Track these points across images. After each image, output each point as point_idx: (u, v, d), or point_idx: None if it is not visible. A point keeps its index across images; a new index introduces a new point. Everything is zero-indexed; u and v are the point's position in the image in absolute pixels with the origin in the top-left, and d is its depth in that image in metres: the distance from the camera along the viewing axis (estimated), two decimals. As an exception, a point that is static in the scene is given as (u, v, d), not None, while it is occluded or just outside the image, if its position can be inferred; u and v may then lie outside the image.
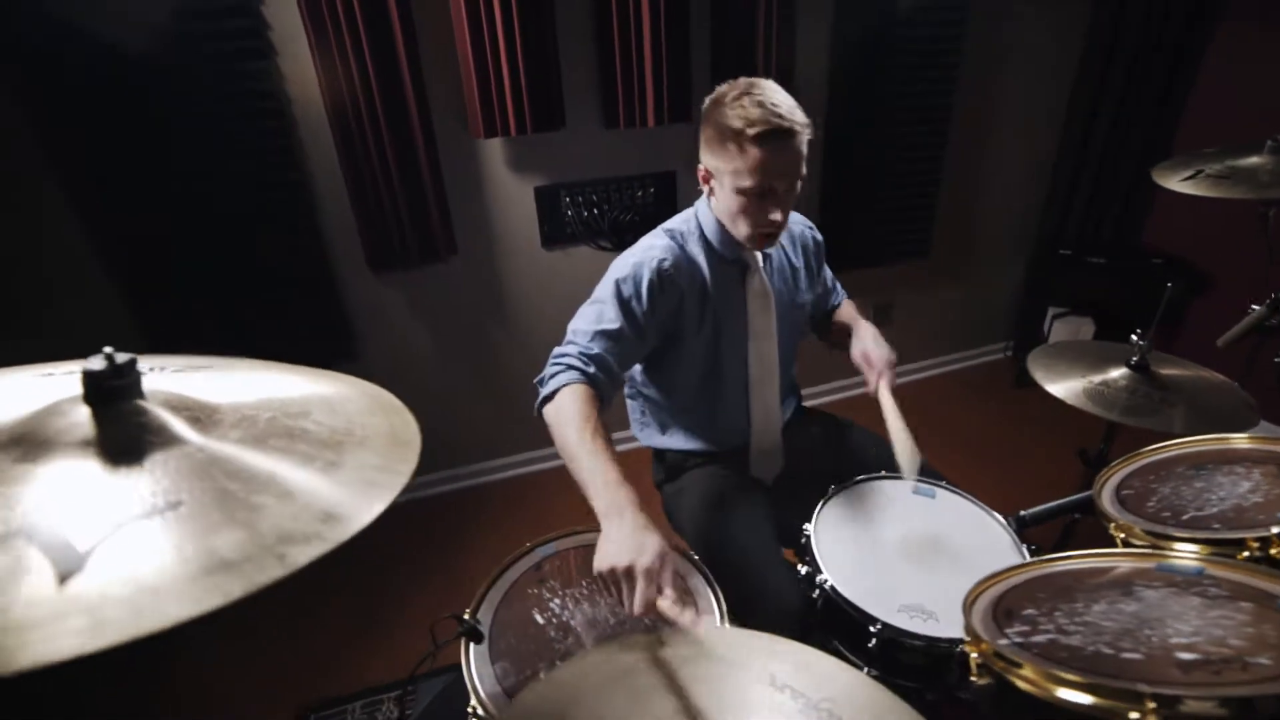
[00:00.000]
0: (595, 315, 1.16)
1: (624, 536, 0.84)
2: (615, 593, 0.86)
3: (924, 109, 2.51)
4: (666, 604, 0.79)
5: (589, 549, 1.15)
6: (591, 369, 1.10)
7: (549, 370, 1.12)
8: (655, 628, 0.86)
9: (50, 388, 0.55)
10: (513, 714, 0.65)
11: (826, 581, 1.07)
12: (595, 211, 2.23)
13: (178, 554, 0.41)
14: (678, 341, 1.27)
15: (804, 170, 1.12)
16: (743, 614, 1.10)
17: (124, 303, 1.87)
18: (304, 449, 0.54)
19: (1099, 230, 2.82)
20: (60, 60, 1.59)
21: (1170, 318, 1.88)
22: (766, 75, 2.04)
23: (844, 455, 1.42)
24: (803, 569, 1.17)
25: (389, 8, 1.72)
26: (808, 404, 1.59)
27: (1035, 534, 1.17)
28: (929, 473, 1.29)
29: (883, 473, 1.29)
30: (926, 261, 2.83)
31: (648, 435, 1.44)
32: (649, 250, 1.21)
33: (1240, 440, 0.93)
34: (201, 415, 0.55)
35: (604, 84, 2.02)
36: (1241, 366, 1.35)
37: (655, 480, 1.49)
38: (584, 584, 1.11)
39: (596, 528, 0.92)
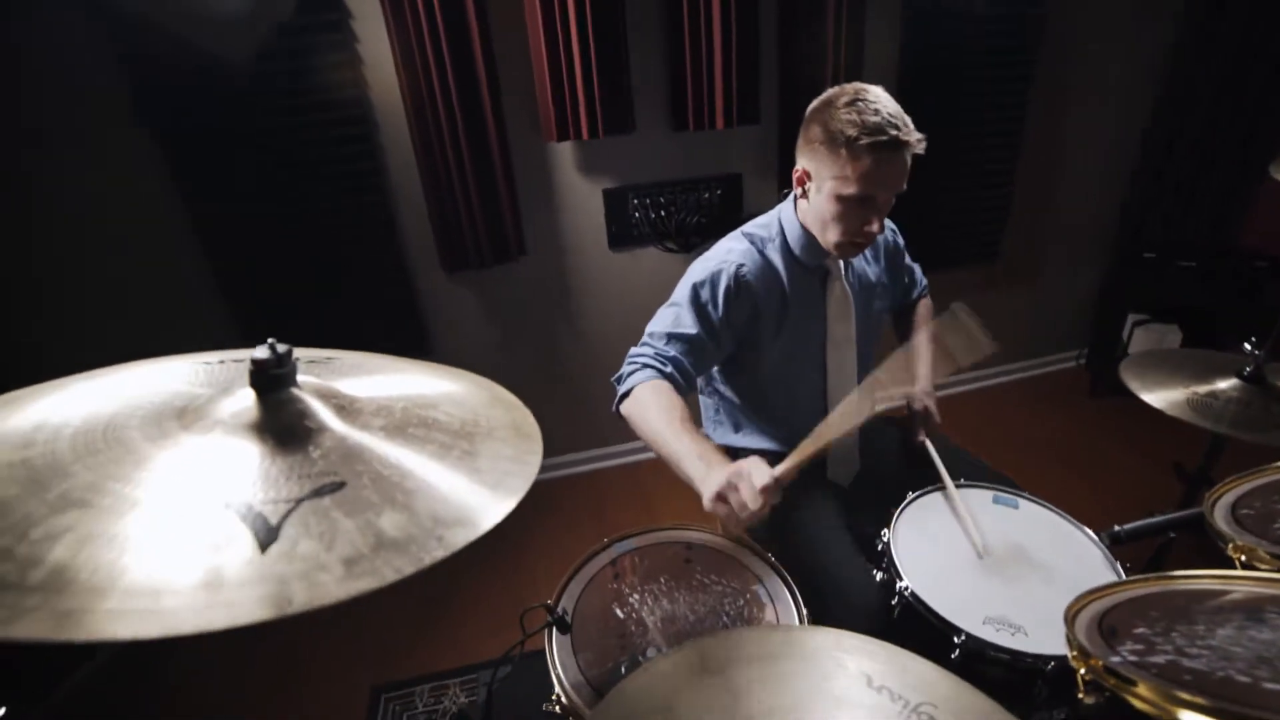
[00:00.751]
0: (672, 318, 1.19)
1: (719, 473, 0.94)
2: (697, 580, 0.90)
3: (997, 106, 2.43)
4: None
5: (664, 546, 1.19)
6: (668, 369, 1.14)
7: (626, 369, 1.16)
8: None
9: (206, 374, 0.61)
10: (613, 704, 0.67)
11: (907, 588, 1.05)
12: (662, 213, 2.25)
13: (348, 532, 0.45)
14: (754, 346, 1.28)
15: (905, 185, 1.11)
16: (820, 613, 1.11)
17: (224, 296, 2.01)
18: (441, 438, 0.58)
19: (1187, 232, 2.65)
20: (179, 77, 1.72)
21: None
22: (835, 76, 2.04)
23: (917, 459, 1.38)
24: (879, 575, 1.16)
25: (468, 17, 1.79)
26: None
27: (1125, 551, 1.13)
28: (1007, 484, 1.26)
29: (961, 480, 1.27)
30: (996, 265, 2.73)
31: (721, 434, 1.45)
32: (728, 254, 1.22)
33: None
34: (345, 404, 0.59)
35: (673, 87, 2.04)
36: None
37: None
38: (661, 580, 1.14)
39: (669, 525, 1.05)
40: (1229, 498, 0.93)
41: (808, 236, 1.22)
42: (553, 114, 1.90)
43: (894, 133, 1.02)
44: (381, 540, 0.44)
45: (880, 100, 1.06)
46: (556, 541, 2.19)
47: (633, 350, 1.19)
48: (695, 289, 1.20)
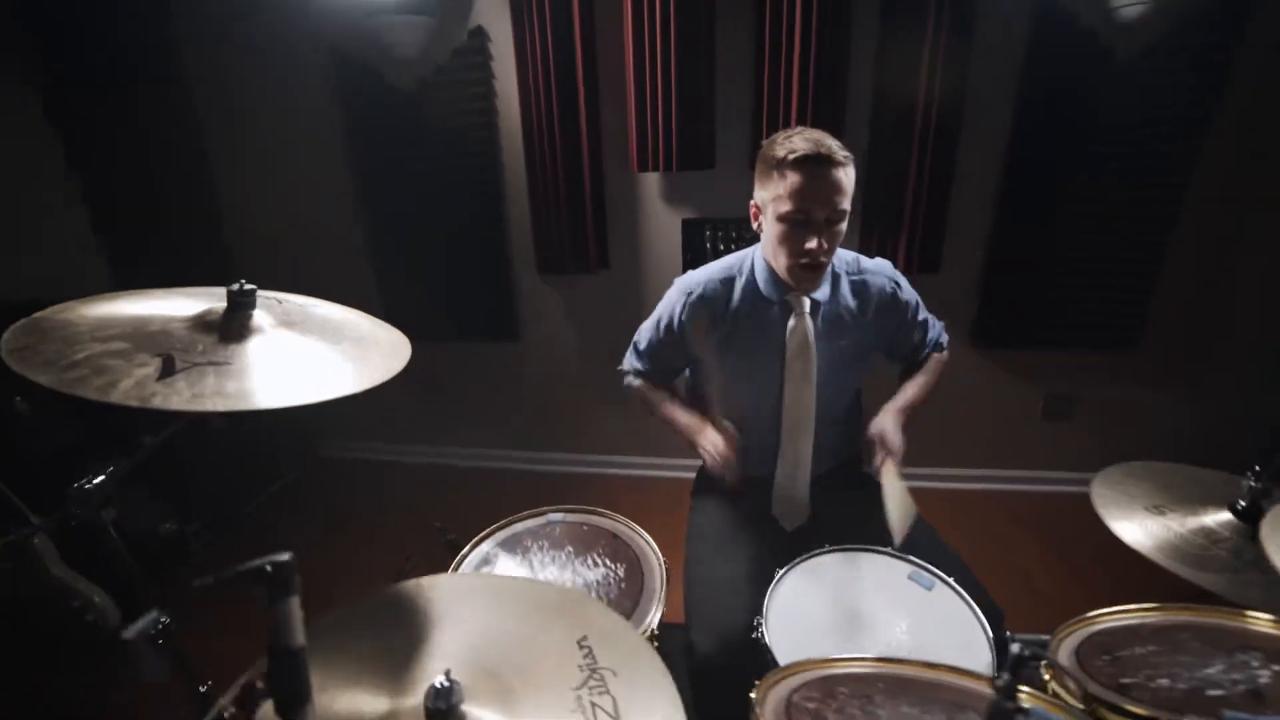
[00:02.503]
0: (643, 335, 1.48)
1: (707, 440, 1.32)
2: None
3: (1148, 163, 2.09)
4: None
5: (591, 528, 1.35)
6: (639, 380, 1.51)
7: (622, 368, 1.56)
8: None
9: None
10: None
11: (762, 624, 1.08)
12: (734, 245, 2.36)
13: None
14: (710, 371, 1.38)
15: (845, 205, 1.15)
16: (691, 629, 1.19)
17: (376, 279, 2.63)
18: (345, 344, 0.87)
19: None
20: (370, 98, 2.34)
21: None
22: (929, 111, 1.97)
23: (878, 527, 1.27)
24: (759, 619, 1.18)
25: (576, 56, 2.12)
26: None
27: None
28: (956, 568, 1.18)
29: (888, 549, 1.22)
30: (1136, 355, 2.33)
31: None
32: (691, 279, 1.36)
33: (1264, 621, 0.73)
34: (290, 320, 0.90)
35: (754, 127, 2.17)
36: None
37: (692, 489, 1.58)
38: (566, 550, 1.31)
39: (604, 513, 1.40)
40: (1080, 635, 0.84)
41: (770, 270, 1.29)
42: (635, 146, 2.16)
43: (817, 149, 1.10)
44: (217, 391, 0.72)
45: (815, 132, 1.15)
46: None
47: (626, 358, 1.54)
48: (660, 312, 1.41)
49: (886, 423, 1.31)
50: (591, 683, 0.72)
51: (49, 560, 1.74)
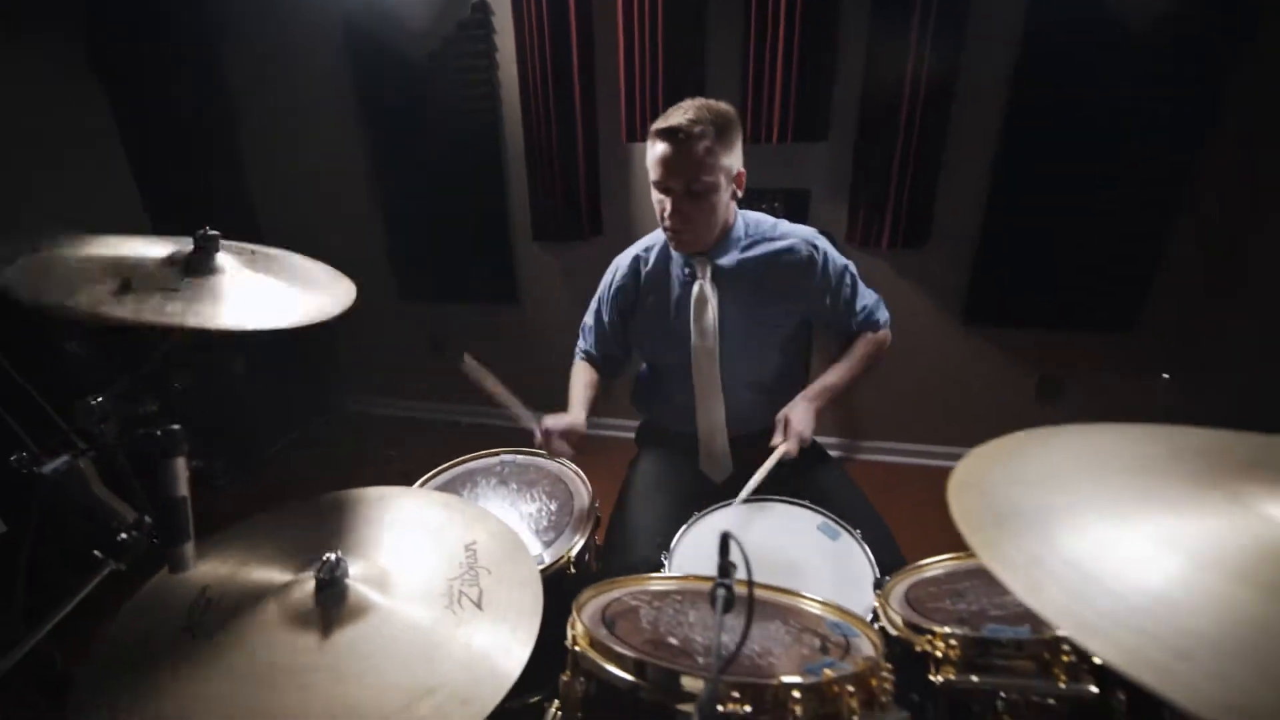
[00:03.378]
0: (589, 312, 1.59)
1: (554, 416, 1.38)
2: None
3: (1160, 136, 2.01)
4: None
5: (539, 468, 1.48)
6: (583, 358, 1.59)
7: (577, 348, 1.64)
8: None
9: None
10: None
11: (666, 560, 1.18)
12: (721, 216, 2.42)
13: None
14: (634, 335, 1.52)
15: (704, 178, 1.21)
16: (605, 561, 1.32)
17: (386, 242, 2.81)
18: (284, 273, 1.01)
19: None
20: (380, 67, 2.48)
21: None
22: (917, 81, 1.98)
23: (801, 481, 1.39)
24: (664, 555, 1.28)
25: (570, 31, 2.20)
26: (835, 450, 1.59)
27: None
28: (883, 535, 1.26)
29: (806, 502, 1.30)
30: (1129, 336, 2.27)
31: (640, 395, 1.67)
32: (621, 257, 1.50)
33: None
34: (253, 263, 1.05)
35: (741, 97, 2.19)
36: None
37: (635, 439, 1.69)
38: (513, 485, 1.43)
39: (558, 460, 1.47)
40: (909, 581, 0.92)
41: None
42: (624, 117, 2.23)
43: (676, 124, 1.17)
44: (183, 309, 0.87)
45: (684, 104, 1.22)
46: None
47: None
48: (601, 287, 1.55)
49: (795, 408, 1.35)
50: (466, 576, 0.85)
51: (92, 480, 2.01)
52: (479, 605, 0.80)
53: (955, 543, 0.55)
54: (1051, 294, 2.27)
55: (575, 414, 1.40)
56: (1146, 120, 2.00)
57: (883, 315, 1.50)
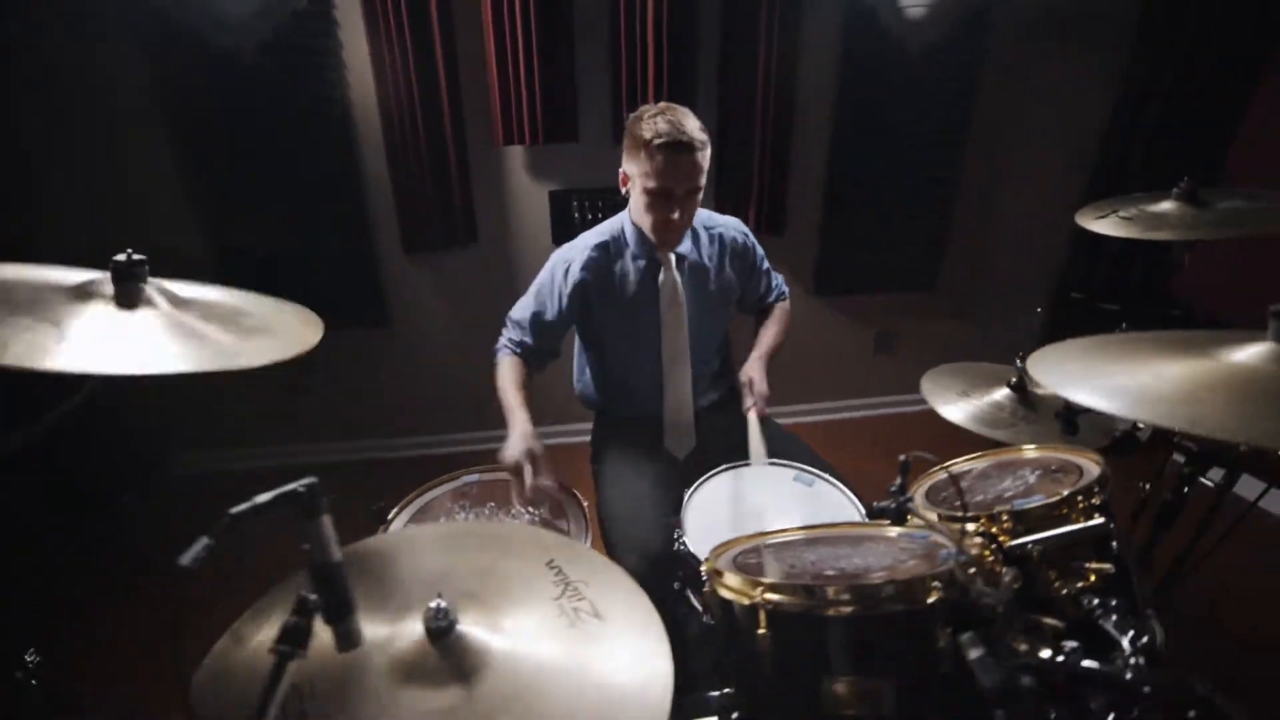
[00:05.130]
0: (522, 309, 1.53)
1: (512, 440, 1.31)
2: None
3: (937, 138, 2.58)
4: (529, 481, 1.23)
5: (504, 484, 1.40)
6: (519, 351, 1.51)
7: (496, 346, 1.56)
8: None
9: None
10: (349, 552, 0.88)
11: (682, 537, 1.24)
12: (601, 215, 2.47)
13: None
14: (590, 325, 1.53)
15: (701, 181, 1.33)
16: (615, 555, 1.31)
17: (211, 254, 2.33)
18: (236, 327, 0.83)
19: (1126, 277, 2.74)
20: (189, 63, 2.06)
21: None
22: (767, 99, 2.23)
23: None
24: (678, 531, 1.35)
25: (432, 26, 2.07)
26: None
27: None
28: (825, 469, 1.42)
29: (775, 460, 1.44)
30: (932, 293, 2.86)
31: (582, 381, 1.68)
32: (571, 249, 1.49)
33: (1029, 449, 1.04)
34: (178, 300, 0.84)
35: (614, 103, 2.28)
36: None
37: (590, 439, 1.69)
38: (488, 506, 1.35)
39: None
40: (925, 486, 1.11)
41: (639, 232, 1.45)
42: (499, 118, 2.17)
43: (680, 136, 1.25)
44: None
45: (678, 112, 1.29)
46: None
47: (502, 333, 1.55)
48: (541, 283, 1.51)
49: (754, 370, 1.54)
50: (568, 593, 0.81)
51: None
52: (598, 615, 0.78)
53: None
54: (877, 264, 2.76)
55: (533, 440, 1.30)
56: (927, 127, 2.55)
57: (785, 289, 1.77)
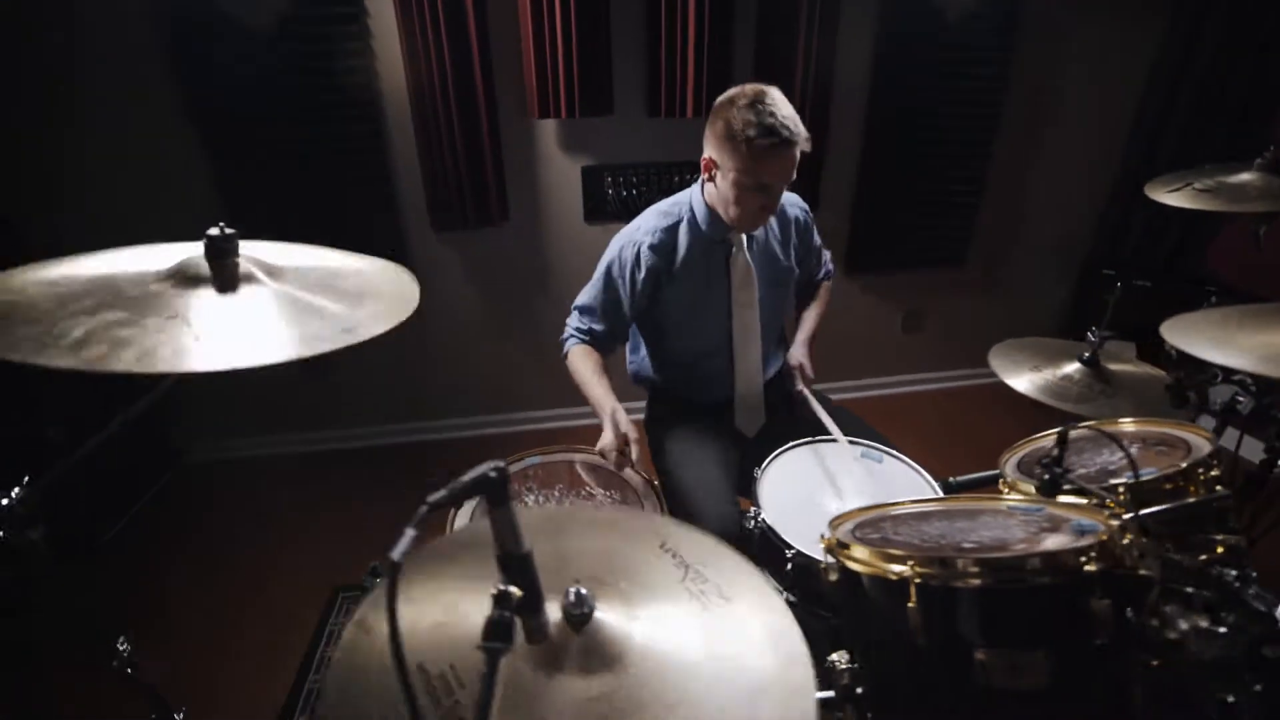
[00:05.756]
0: (590, 295, 1.49)
1: (608, 422, 1.30)
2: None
3: (969, 115, 2.54)
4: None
5: (565, 464, 1.38)
6: (587, 338, 1.48)
7: (563, 335, 1.53)
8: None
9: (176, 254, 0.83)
10: (452, 538, 0.86)
11: (761, 515, 1.23)
12: (635, 192, 2.43)
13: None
14: (663, 310, 1.48)
15: (794, 174, 1.29)
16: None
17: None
18: (340, 293, 0.79)
19: (1155, 251, 2.73)
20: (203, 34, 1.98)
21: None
22: (806, 77, 2.19)
23: (815, 423, 1.51)
24: (751, 509, 1.34)
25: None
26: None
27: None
28: (882, 442, 1.42)
29: (840, 437, 1.43)
30: (962, 270, 2.84)
31: (636, 361, 1.66)
32: (636, 232, 1.44)
33: (1126, 423, 1.03)
34: (273, 269, 0.80)
35: (650, 75, 2.22)
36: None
37: (645, 421, 1.67)
38: (556, 488, 1.33)
39: (580, 448, 1.42)
40: (1021, 454, 1.10)
41: (712, 214, 1.40)
42: (535, 91, 2.10)
43: (785, 134, 1.20)
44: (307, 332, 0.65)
45: (777, 103, 1.23)
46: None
47: (568, 323, 1.52)
48: (609, 267, 1.46)
49: (803, 355, 1.59)
50: (690, 576, 0.79)
51: None
52: (725, 598, 0.76)
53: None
54: (909, 241, 2.73)
55: (629, 424, 1.32)
56: (959, 116, 2.52)
57: (832, 265, 1.77)
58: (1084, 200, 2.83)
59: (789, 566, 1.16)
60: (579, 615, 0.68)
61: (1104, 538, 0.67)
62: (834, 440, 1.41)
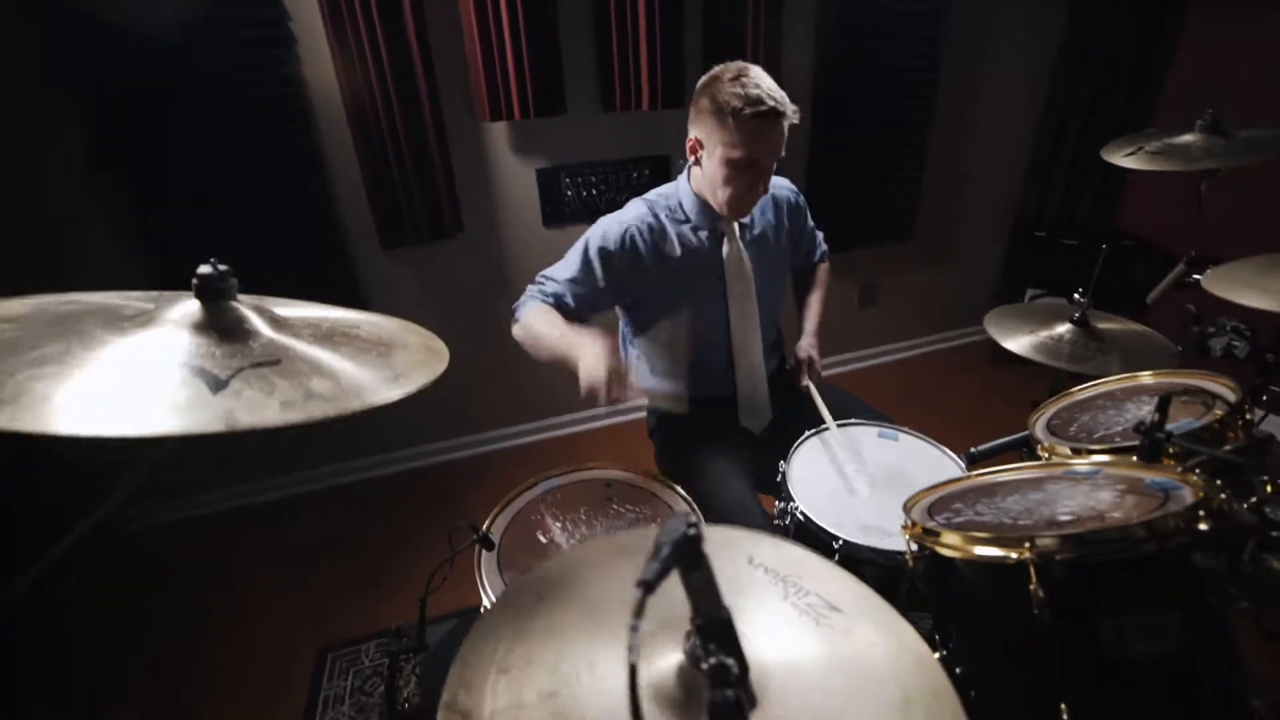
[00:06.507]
0: (562, 265, 1.36)
1: (586, 356, 1.10)
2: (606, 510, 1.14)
3: (908, 95, 2.64)
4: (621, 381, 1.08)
5: (587, 483, 1.31)
6: (550, 300, 1.32)
7: (518, 304, 1.35)
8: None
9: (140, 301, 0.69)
10: (538, 573, 0.77)
11: (797, 508, 1.20)
12: (594, 192, 2.36)
13: (283, 388, 0.55)
14: (646, 299, 1.42)
15: (783, 151, 1.26)
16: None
17: (146, 274, 2.00)
18: (360, 344, 0.68)
19: (1075, 214, 2.95)
20: (90, 39, 1.71)
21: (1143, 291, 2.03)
22: (756, 61, 2.19)
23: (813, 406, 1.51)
24: (779, 504, 1.32)
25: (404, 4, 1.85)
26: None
27: (982, 467, 1.31)
28: (888, 422, 1.44)
29: (853, 420, 1.43)
30: (911, 244, 2.96)
31: (641, 372, 1.57)
32: (622, 216, 1.37)
33: (1144, 376, 1.08)
34: (277, 319, 0.68)
35: (602, 70, 2.15)
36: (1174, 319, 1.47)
37: (649, 427, 1.62)
38: (581, 510, 1.25)
39: (592, 465, 1.25)
40: (1046, 415, 1.12)
41: (700, 202, 1.36)
42: (485, 94, 1.98)
43: (771, 104, 1.18)
44: (310, 393, 0.54)
45: (760, 77, 1.21)
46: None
47: (527, 292, 1.36)
48: (587, 243, 1.35)
49: (812, 349, 1.55)
50: (792, 591, 0.75)
51: None
52: (834, 608, 0.73)
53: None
54: (858, 222, 2.81)
55: (611, 351, 1.11)
56: (897, 97, 2.62)
57: (825, 245, 1.74)
58: (1011, 171, 3.03)
59: (835, 558, 1.14)
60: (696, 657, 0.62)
61: (1201, 494, 0.68)
62: (847, 426, 1.42)
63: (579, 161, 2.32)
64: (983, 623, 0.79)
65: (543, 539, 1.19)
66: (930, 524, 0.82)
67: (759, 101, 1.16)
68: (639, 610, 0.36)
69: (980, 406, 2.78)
